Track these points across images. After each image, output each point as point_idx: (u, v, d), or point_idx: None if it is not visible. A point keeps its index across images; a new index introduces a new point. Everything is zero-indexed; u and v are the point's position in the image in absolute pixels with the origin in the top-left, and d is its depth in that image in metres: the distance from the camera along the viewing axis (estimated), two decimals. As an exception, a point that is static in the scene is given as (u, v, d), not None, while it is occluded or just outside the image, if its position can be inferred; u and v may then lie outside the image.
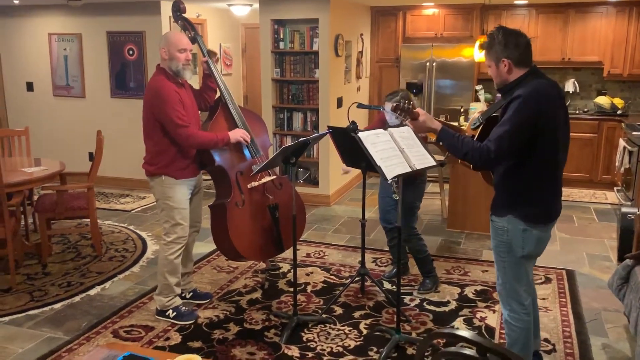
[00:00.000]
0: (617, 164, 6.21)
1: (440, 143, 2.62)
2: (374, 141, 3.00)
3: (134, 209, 6.19)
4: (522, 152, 2.48)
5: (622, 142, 6.07)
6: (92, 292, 4.08)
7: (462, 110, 6.48)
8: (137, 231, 5.45)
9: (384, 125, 3.83)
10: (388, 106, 3.75)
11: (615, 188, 6.56)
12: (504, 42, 2.52)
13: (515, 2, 6.98)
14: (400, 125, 3.44)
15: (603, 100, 7.00)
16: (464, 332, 1.26)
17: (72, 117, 7.24)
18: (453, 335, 1.29)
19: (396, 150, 3.02)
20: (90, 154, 7.07)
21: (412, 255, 4.10)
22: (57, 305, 3.86)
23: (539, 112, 2.43)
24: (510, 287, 2.71)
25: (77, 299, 3.97)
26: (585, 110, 7.17)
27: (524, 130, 2.43)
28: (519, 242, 2.59)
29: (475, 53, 6.11)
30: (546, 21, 6.99)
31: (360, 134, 2.98)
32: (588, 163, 6.90)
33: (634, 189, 5.66)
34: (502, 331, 3.50)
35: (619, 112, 6.90)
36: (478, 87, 7.30)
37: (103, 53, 6.90)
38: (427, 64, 7.28)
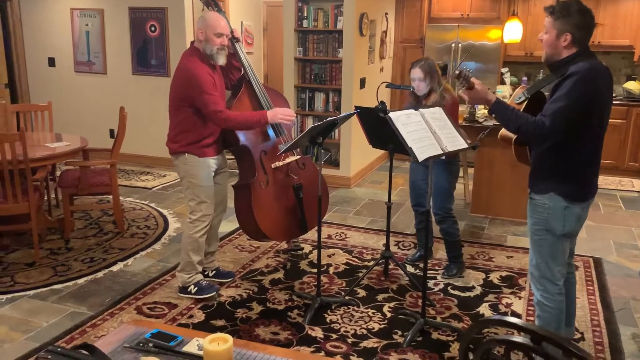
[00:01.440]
0: (646, 151, 6.07)
1: (493, 115, 2.57)
2: (405, 122, 2.93)
3: (154, 187, 6.19)
4: (572, 129, 2.45)
5: (652, 129, 5.92)
6: (114, 268, 4.09)
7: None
8: (159, 209, 5.44)
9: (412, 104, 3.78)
10: (415, 72, 3.71)
11: (642, 176, 6.43)
12: (578, 18, 2.45)
13: (545, -18, 6.79)
14: (429, 105, 3.37)
15: (633, 86, 6.82)
16: (517, 320, 1.20)
17: (93, 93, 7.23)
18: (504, 323, 1.24)
19: (428, 131, 2.95)
20: (111, 131, 7.07)
21: (443, 238, 4.03)
22: (81, 281, 3.88)
23: (594, 91, 2.42)
24: (544, 267, 2.68)
25: (100, 274, 3.98)
26: (614, 95, 6.98)
27: (579, 108, 2.41)
28: (560, 219, 2.58)
29: (504, 34, 5.97)
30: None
31: (391, 115, 2.91)
32: (615, 150, 6.75)
33: (663, 177, 5.53)
34: (529, 318, 3.45)
35: (648, 98, 6.72)
36: (504, 70, 7.14)
37: (125, 29, 6.86)
38: (453, 45, 7.13)
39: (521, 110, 2.63)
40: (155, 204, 5.60)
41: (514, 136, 2.65)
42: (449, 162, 3.80)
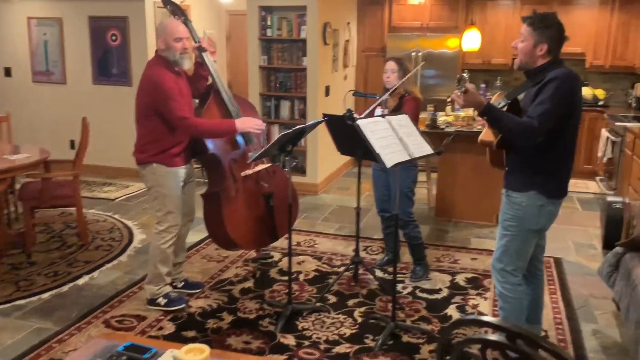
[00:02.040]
0: (599, 154, 6.32)
1: (484, 117, 2.69)
2: (372, 129, 2.99)
3: (117, 198, 6.09)
4: (553, 130, 2.61)
5: (604, 133, 6.17)
6: (80, 281, 4.01)
7: (448, 100, 6.50)
8: (123, 220, 5.36)
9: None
10: (389, 64, 3.91)
11: (597, 177, 6.68)
12: (556, 32, 2.63)
13: (501, -8, 7.02)
14: (393, 113, 3.46)
15: (585, 92, 7.09)
16: (491, 319, 1.26)
17: (52, 103, 7.06)
18: (479, 322, 1.29)
19: (395, 138, 3.02)
20: (72, 142, 6.92)
21: (407, 242, 4.11)
22: (45, 295, 3.78)
23: (573, 94, 2.61)
24: (507, 260, 2.84)
25: (65, 288, 3.89)
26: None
27: (562, 109, 2.58)
28: (534, 217, 2.75)
29: (463, 43, 6.13)
30: (530, 12, 7.03)
31: (359, 122, 2.97)
32: (570, 153, 6.98)
33: (616, 178, 5.77)
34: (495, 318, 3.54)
35: (600, 103, 7.00)
36: (465, 75, 7.31)
37: (85, 38, 6.74)
38: (413, 54, 7.27)
39: None
40: (119, 215, 5.51)
41: (494, 140, 2.75)
42: (407, 168, 3.89)
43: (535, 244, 2.89)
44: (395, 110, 3.85)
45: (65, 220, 5.18)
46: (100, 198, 6.07)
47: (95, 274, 4.14)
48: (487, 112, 2.65)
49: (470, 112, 5.59)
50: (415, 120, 3.93)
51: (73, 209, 4.69)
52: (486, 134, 2.83)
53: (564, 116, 2.60)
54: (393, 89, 3.84)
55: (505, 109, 2.73)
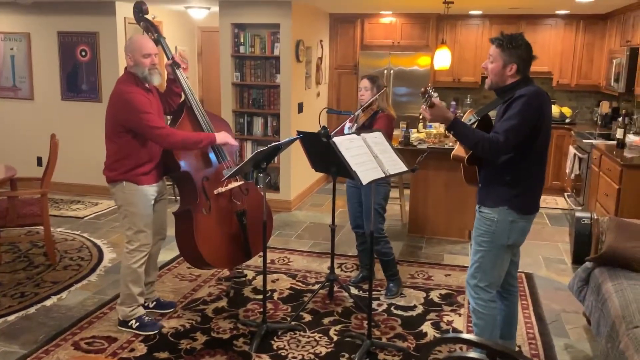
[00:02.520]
0: (567, 171, 6.46)
1: (451, 132, 2.72)
2: (348, 146, 3.00)
3: (86, 216, 5.96)
4: (522, 146, 2.65)
5: (572, 150, 6.32)
6: (48, 302, 3.89)
7: (420, 117, 6.58)
8: (92, 239, 5.24)
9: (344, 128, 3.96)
10: (363, 82, 4.02)
11: (565, 194, 6.82)
12: (524, 52, 2.68)
13: (470, 12, 7.18)
14: (364, 128, 3.49)
15: (552, 109, 7.25)
16: (471, 336, 1.26)
17: (18, 119, 6.91)
18: (460, 340, 1.29)
19: (370, 155, 3.04)
20: (39, 159, 6.77)
21: (378, 258, 4.12)
22: (11, 317, 3.66)
23: (540, 110, 2.65)
24: (481, 276, 2.85)
25: (32, 310, 3.77)
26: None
27: (528, 125, 2.62)
28: (506, 232, 2.77)
29: (435, 62, 6.23)
30: (499, 32, 7.14)
31: (335, 139, 2.98)
32: (539, 169, 7.13)
33: (584, 194, 5.90)
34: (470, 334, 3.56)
35: (567, 120, 7.18)
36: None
37: (53, 54, 6.63)
38: (385, 71, 7.36)
39: None
40: (88, 234, 5.39)
41: (466, 156, 2.78)
42: (378, 184, 3.91)
43: (509, 260, 2.91)
44: (366, 127, 3.89)
45: (32, 240, 5.04)
46: (69, 216, 5.93)
47: (64, 294, 4.02)
48: (454, 127, 2.70)
49: (441, 129, 5.67)
50: (389, 137, 3.98)
51: (40, 227, 4.57)
52: (458, 150, 2.87)
53: (532, 132, 2.64)
54: (365, 104, 3.91)
55: (475, 125, 2.78)
